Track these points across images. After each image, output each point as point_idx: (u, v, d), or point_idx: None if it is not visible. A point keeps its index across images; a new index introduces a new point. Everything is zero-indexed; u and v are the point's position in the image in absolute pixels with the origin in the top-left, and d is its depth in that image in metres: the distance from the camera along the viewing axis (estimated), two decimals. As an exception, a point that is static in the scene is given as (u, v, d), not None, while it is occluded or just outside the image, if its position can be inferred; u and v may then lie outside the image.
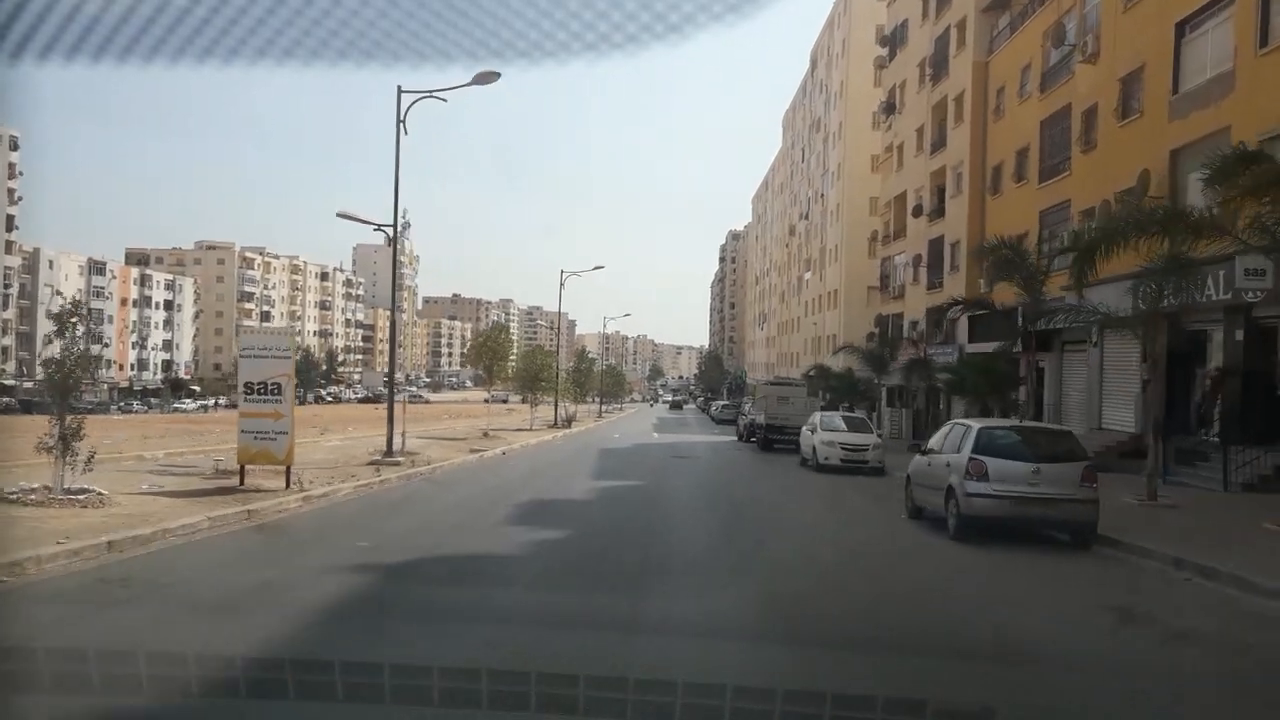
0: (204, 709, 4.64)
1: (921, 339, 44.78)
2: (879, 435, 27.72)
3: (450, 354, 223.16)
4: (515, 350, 37.92)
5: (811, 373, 50.09)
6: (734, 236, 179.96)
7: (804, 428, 28.87)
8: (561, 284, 50.07)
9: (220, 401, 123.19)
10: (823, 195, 77.20)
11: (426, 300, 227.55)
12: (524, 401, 49.81)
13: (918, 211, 46.98)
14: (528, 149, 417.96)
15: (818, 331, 77.15)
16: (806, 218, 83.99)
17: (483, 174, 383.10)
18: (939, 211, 45.33)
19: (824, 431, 26.52)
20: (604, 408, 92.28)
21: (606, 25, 3.65)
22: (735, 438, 47.75)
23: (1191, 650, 7.86)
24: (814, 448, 26.35)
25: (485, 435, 36.91)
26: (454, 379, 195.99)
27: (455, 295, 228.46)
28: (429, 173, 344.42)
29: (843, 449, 25.63)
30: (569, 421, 50.89)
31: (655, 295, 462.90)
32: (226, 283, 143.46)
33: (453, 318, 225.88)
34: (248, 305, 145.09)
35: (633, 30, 3.66)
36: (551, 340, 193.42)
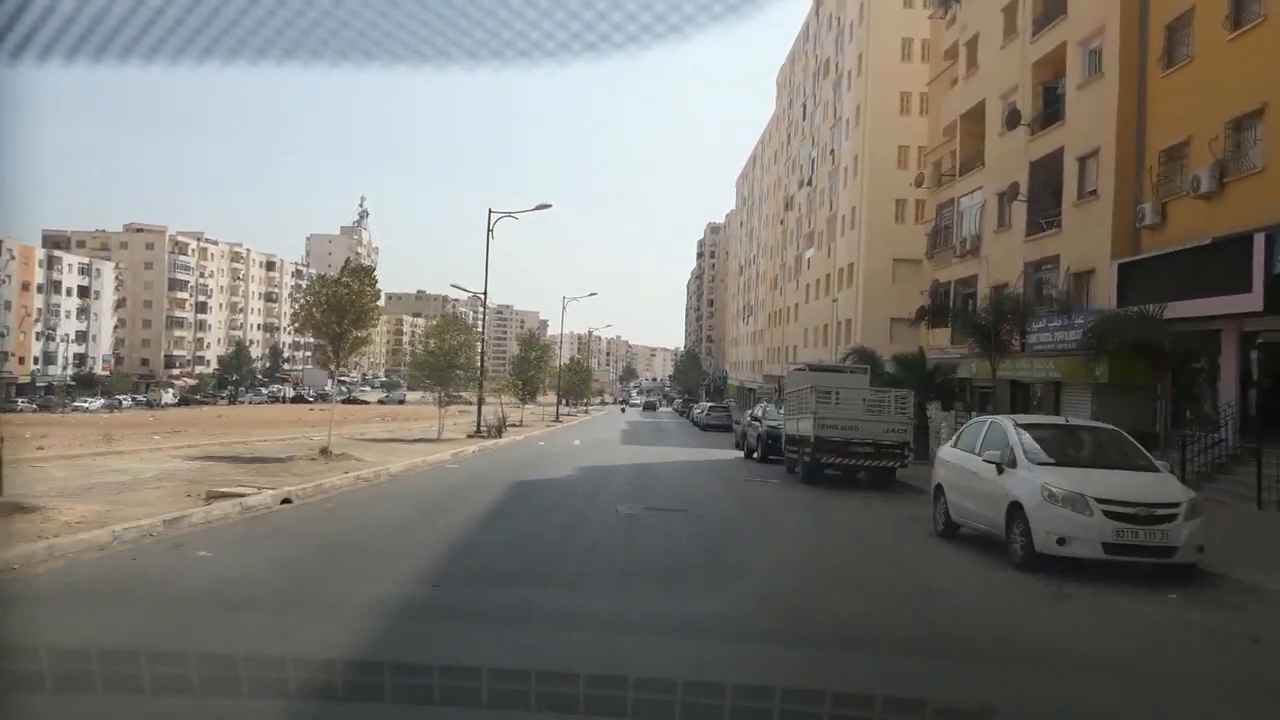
0: (203, 708, 4.30)
1: (1018, 307, 28.29)
2: (1172, 471, 11.07)
3: (414, 352, 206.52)
4: (377, 309, 20.61)
5: (849, 359, 33.70)
6: (713, 229, 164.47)
7: (950, 454, 12.34)
8: (490, 228, 33.79)
9: (133, 399, 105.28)
10: (833, 151, 61.06)
11: (389, 297, 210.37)
12: (476, 403, 34.04)
13: (1013, 121, 30.73)
14: (508, 149, 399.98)
15: (825, 317, 60.95)
16: (809, 184, 67.86)
17: (457, 172, 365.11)
18: (1051, 116, 29.23)
19: (1037, 466, 10.03)
20: (565, 410, 75.60)
21: (607, 25, 3.57)
22: (738, 453, 31.51)
23: None
24: (1015, 505, 9.82)
25: (321, 454, 20.30)
26: (413, 379, 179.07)
27: (420, 291, 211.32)
28: (404, 169, 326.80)
29: (1110, 514, 9.17)
30: (500, 428, 34.37)
31: (632, 298, 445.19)
32: (157, 269, 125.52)
33: (417, 315, 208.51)
34: (180, 295, 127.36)
35: (633, 30, 3.57)
36: (518, 334, 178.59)
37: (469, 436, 33.43)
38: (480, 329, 36.59)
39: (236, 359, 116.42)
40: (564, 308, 57.89)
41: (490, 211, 33.96)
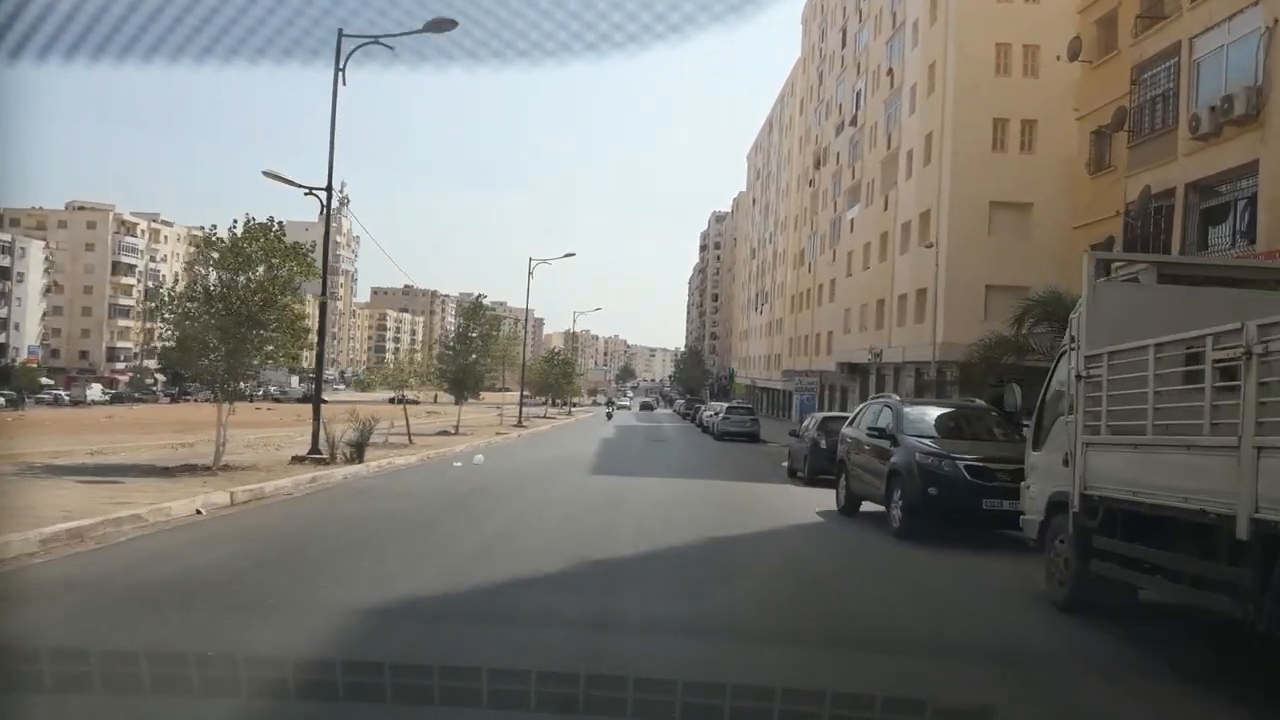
0: (203, 708, 4.15)
1: None
2: None
3: (398, 349, 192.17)
4: None
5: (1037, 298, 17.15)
6: (718, 219, 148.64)
7: None
8: (332, 100, 17.58)
9: (62, 395, 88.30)
10: (890, 71, 44.66)
11: (376, 291, 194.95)
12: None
13: None
14: (505, 147, 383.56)
15: (879, 291, 44.55)
16: (853, 123, 51.44)
17: (458, 170, 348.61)
18: None
19: None
20: (540, 411, 59.12)
21: (607, 25, 3.68)
22: (808, 494, 15.09)
23: None
24: None
25: None
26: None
27: (407, 287, 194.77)
28: (402, 166, 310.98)
29: None
30: (359, 446, 17.79)
31: (632, 298, 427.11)
32: (99, 251, 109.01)
33: (404, 310, 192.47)
34: (126, 279, 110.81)
35: (633, 30, 3.59)
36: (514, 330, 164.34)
37: (295, 461, 17.06)
38: (324, 243, 19.99)
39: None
40: (530, 272, 40.69)
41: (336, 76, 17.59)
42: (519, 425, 41.56)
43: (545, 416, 56.20)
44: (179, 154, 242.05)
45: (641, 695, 4.16)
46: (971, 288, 36.22)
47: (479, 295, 33.75)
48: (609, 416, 60.22)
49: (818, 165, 60.43)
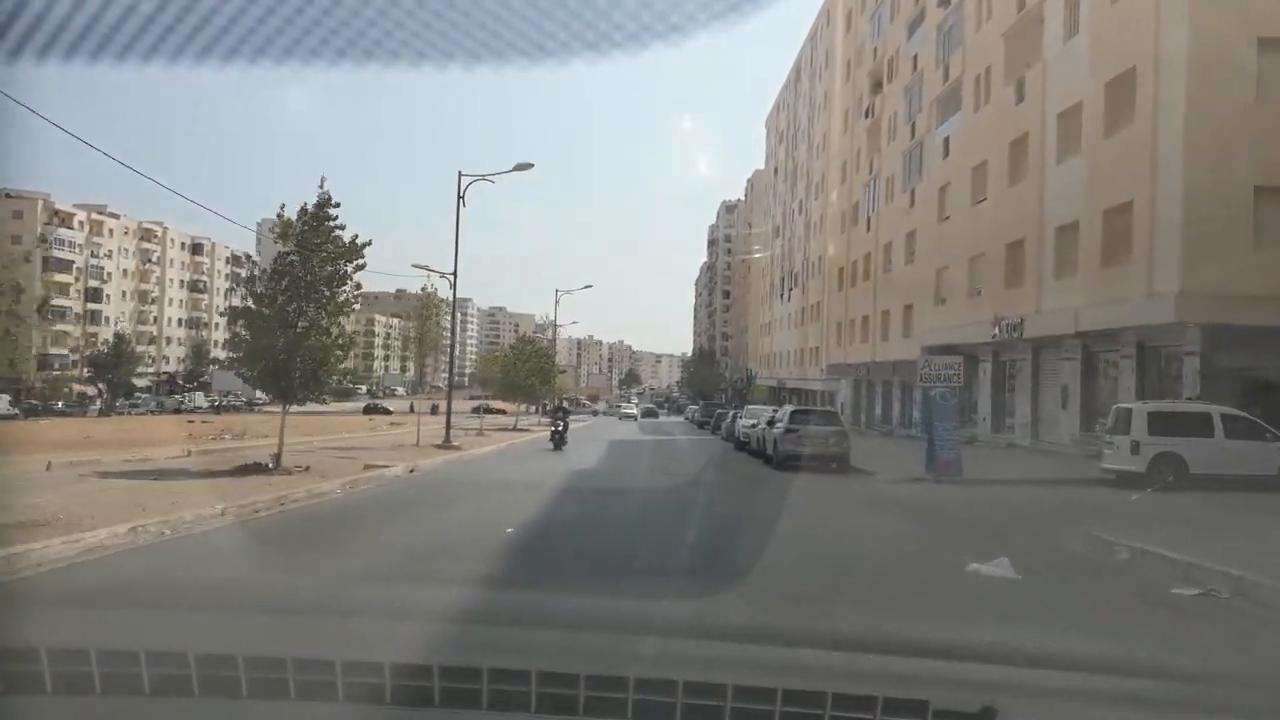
0: (203, 708, 3.78)
1: None
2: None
3: (389, 355, 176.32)
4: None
5: None
6: (728, 208, 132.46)
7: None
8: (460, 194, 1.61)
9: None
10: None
11: (366, 296, 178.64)
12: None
13: None
14: (514, 149, 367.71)
15: (1004, 231, 27.89)
16: (943, 3, 34.89)
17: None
18: None
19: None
20: (505, 420, 42.56)
21: (607, 24, 3.37)
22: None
23: None
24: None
25: None
26: (387, 385, 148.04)
27: (399, 291, 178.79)
28: (404, 168, 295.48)
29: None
30: None
31: (637, 307, 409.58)
32: (27, 244, 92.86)
33: (395, 315, 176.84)
34: (63, 277, 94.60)
35: (633, 29, 3.39)
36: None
37: None
38: None
39: (115, 356, 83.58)
40: (460, 195, 24.25)
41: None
42: (445, 445, 24.78)
43: (514, 429, 39.54)
44: (178, 159, 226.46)
45: (642, 695, 3.76)
46: (1226, 192, 19.60)
47: (323, 192, 17.15)
48: (555, 441, 27.90)
49: (879, 87, 43.79)
